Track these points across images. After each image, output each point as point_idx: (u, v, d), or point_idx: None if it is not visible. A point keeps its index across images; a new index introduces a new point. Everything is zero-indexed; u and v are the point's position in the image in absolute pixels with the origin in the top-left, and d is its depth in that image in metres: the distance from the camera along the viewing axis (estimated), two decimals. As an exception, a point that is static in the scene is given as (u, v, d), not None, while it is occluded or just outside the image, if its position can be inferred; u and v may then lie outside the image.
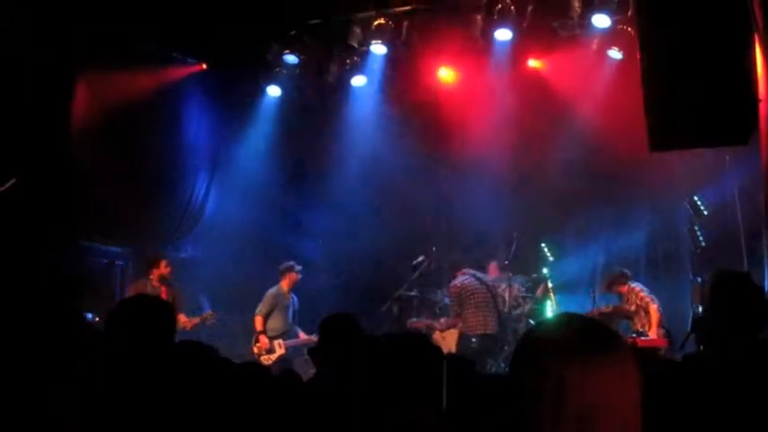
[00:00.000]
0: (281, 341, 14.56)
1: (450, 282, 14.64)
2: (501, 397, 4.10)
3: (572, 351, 2.34)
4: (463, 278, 13.99)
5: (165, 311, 4.83)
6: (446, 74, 16.33)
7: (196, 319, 14.35)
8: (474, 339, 13.60)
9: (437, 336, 14.26)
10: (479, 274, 14.11)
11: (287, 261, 15.02)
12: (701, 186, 14.16)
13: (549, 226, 15.69)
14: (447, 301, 15.03)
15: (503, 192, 15.85)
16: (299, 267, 14.96)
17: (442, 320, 14.53)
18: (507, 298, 14.30)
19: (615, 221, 15.57)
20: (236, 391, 3.61)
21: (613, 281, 13.26)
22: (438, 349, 4.30)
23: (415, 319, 14.96)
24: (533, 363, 2.39)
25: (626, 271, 13.40)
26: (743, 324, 4.60)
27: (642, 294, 12.90)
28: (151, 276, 14.18)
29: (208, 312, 14.54)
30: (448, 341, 13.90)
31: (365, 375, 3.74)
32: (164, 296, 13.66)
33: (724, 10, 8.42)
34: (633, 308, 12.95)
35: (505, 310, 14.20)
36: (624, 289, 13.17)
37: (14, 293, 11.87)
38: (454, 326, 14.07)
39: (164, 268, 14.23)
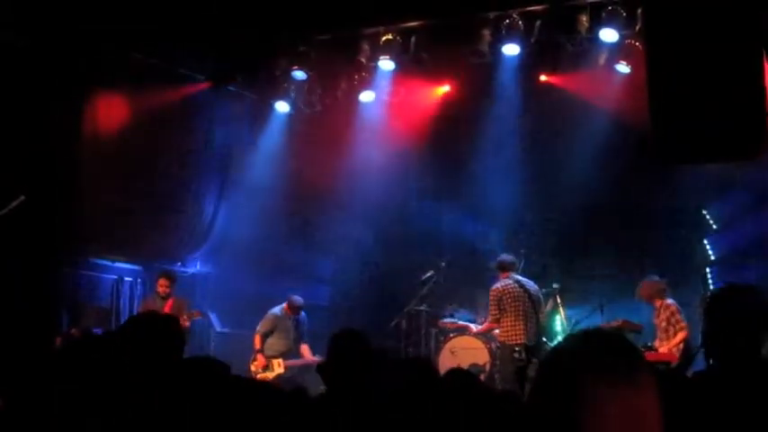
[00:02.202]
0: (280, 360, 14.49)
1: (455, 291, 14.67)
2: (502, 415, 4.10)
3: (603, 374, 2.34)
4: (506, 282, 13.42)
5: (170, 327, 4.84)
6: (454, 89, 16.37)
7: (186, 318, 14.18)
8: (517, 349, 13.25)
9: (447, 350, 14.21)
10: (523, 280, 13.58)
11: (300, 298, 14.96)
12: (711, 200, 14.17)
13: (559, 241, 15.67)
14: (454, 317, 14.94)
15: (512, 207, 15.86)
16: (303, 313, 14.92)
17: (473, 326, 14.34)
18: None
19: (624, 235, 15.54)
20: (246, 407, 3.60)
21: (655, 293, 13.00)
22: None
23: (447, 319, 14.85)
24: (562, 383, 2.38)
25: (666, 285, 13.16)
26: (741, 339, 4.59)
27: (678, 317, 12.71)
28: (157, 290, 14.28)
29: (195, 311, 14.42)
30: (459, 357, 13.80)
31: (374, 392, 3.76)
32: (167, 309, 13.74)
33: (734, 23, 8.41)
34: (663, 324, 12.78)
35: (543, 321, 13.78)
36: (659, 303, 12.98)
37: (15, 294, 11.94)
38: (489, 331, 13.85)
39: (159, 288, 14.27)
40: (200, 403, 3.39)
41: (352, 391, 5.20)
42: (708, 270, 14.86)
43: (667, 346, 12.52)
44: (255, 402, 3.54)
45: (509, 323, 13.22)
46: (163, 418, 3.44)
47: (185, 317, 13.86)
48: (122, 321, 12.76)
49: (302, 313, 14.89)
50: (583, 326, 13.23)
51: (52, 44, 13.03)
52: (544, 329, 13.95)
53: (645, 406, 2.34)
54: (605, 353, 2.39)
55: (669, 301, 12.85)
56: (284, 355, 14.59)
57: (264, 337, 14.58)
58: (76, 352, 4.33)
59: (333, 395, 5.82)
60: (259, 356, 14.52)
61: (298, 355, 14.78)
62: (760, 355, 4.75)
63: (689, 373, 8.34)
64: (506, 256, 13.80)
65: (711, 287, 14.55)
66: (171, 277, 14.49)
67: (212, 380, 3.51)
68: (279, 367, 14.43)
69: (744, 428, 4.14)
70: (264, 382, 5.28)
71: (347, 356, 6.00)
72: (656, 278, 13.10)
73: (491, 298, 13.42)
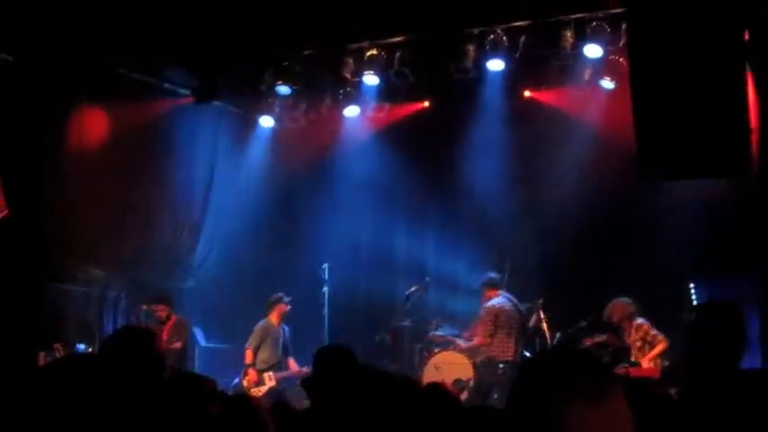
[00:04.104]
0: (270, 374, 14.49)
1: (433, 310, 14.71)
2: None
3: (571, 390, 2.35)
4: (501, 300, 13.69)
5: (147, 342, 4.83)
6: (439, 104, 16.40)
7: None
8: (502, 365, 13.29)
9: (431, 365, 14.22)
10: (513, 298, 13.82)
11: (277, 293, 14.96)
12: (695, 212, 14.18)
13: (543, 255, 15.66)
14: (439, 331, 14.93)
15: (496, 221, 15.85)
16: (288, 299, 14.88)
17: (461, 342, 14.35)
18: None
19: (608, 250, 15.53)
20: (230, 422, 3.60)
21: (626, 317, 12.93)
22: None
23: (438, 333, 14.87)
24: (532, 400, 2.40)
25: (634, 306, 13.10)
26: (718, 357, 4.62)
27: (653, 333, 12.66)
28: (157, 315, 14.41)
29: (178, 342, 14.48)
30: (444, 372, 13.81)
31: (360, 406, 3.75)
32: (166, 331, 14.14)
33: (716, 40, 8.46)
34: (639, 344, 12.74)
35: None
36: (630, 324, 12.91)
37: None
38: (478, 347, 13.87)
39: (157, 313, 14.40)
40: (188, 419, 3.38)
41: (338, 406, 5.20)
42: (691, 284, 14.83)
43: (647, 359, 12.48)
44: (242, 417, 3.54)
45: (501, 340, 13.47)
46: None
47: (174, 338, 14.04)
48: (105, 336, 12.74)
49: (285, 327, 14.87)
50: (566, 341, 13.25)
51: (36, 59, 13.00)
52: (527, 344, 14.02)
53: (613, 421, 2.35)
54: (573, 369, 2.40)
55: (639, 320, 12.82)
56: (274, 367, 14.57)
57: (255, 350, 14.57)
58: (59, 371, 4.30)
59: (318, 409, 5.81)
60: (250, 371, 14.50)
61: (286, 366, 14.77)
62: (737, 370, 4.78)
63: (672, 390, 8.35)
64: (494, 274, 13.88)
65: (694, 301, 14.54)
66: (165, 301, 14.58)
67: (198, 395, 3.50)
68: (270, 381, 14.42)
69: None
70: (250, 397, 5.26)
71: (333, 371, 5.99)
72: (625, 300, 13.05)
73: (487, 315, 13.57)
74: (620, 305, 12.89)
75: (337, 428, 4.40)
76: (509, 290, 14.27)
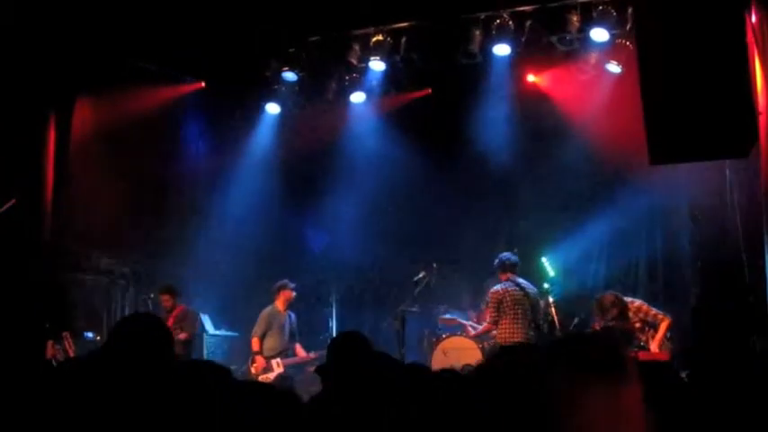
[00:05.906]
0: (278, 360, 14.46)
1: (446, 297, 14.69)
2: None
3: (589, 373, 2.36)
4: (507, 284, 13.35)
5: (158, 326, 4.83)
6: (444, 89, 16.36)
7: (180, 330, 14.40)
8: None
9: (439, 350, 14.23)
10: (523, 283, 13.53)
11: (282, 279, 14.95)
12: (702, 199, 14.16)
13: (551, 241, 15.65)
14: (447, 314, 14.98)
15: (504, 207, 15.86)
16: (292, 285, 14.85)
17: (470, 327, 14.36)
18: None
19: (616, 235, 15.53)
20: (249, 410, 3.59)
21: (619, 303, 12.71)
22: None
23: (447, 316, 14.87)
24: (550, 381, 2.41)
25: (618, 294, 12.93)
26: (726, 343, 4.64)
27: (653, 312, 12.58)
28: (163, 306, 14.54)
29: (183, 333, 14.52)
30: (452, 357, 13.81)
31: (375, 394, 3.75)
32: (171, 320, 14.24)
33: (722, 24, 8.43)
34: (638, 325, 12.66)
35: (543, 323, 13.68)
36: (628, 308, 12.80)
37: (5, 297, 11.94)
38: (486, 333, 13.81)
39: (162, 303, 14.55)
40: (204, 407, 3.38)
41: (355, 393, 5.18)
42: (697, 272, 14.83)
43: (656, 342, 12.43)
44: (259, 405, 3.53)
45: (507, 324, 13.16)
46: (165, 424, 3.43)
47: (179, 328, 14.08)
48: (113, 324, 12.77)
49: (291, 313, 14.86)
50: (576, 324, 13.23)
51: (43, 46, 12.99)
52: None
53: (626, 404, 2.37)
54: (588, 355, 2.41)
55: (637, 302, 12.72)
56: (281, 353, 14.55)
57: (261, 338, 14.56)
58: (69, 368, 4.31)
59: (334, 396, 5.79)
60: (258, 358, 14.48)
61: (293, 352, 14.76)
62: (748, 356, 4.80)
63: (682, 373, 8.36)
64: (509, 256, 13.68)
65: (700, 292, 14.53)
66: (170, 291, 14.68)
67: (215, 384, 3.50)
68: (278, 367, 14.40)
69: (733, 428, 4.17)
70: (266, 384, 5.26)
71: (350, 358, 5.96)
72: (608, 293, 12.83)
73: (491, 300, 13.34)
74: (609, 296, 12.68)
75: (351, 415, 4.40)
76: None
